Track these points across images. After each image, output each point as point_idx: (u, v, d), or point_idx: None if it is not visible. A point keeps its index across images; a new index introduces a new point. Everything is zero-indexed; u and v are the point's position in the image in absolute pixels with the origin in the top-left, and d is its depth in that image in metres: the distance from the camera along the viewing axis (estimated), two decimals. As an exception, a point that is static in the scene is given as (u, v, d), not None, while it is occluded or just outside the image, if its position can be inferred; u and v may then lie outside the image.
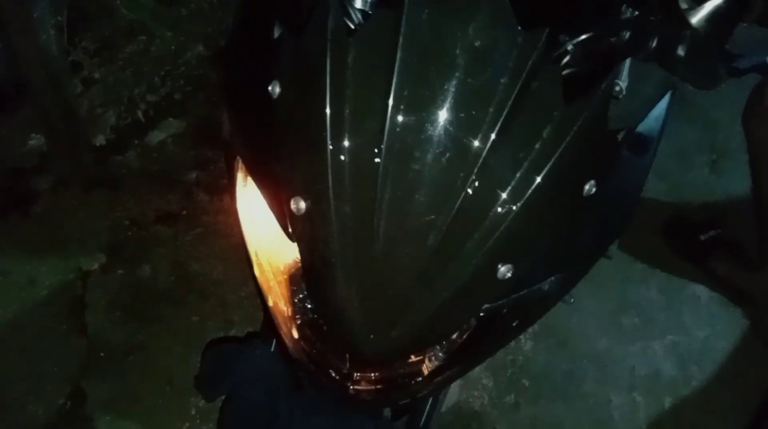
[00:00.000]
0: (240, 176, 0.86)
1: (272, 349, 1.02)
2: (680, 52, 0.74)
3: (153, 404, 1.63)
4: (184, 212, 1.93)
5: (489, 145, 0.69)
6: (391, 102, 0.69)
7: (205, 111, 2.13)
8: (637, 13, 0.75)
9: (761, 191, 1.66)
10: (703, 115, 2.29)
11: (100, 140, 2.01)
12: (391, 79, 0.69)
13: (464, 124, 0.69)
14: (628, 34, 0.74)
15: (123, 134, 2.05)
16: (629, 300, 1.87)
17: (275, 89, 0.75)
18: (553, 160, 0.70)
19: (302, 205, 0.73)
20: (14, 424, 1.57)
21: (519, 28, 0.69)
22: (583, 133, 0.71)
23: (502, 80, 0.69)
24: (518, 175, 0.70)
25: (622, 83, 0.84)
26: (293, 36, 0.75)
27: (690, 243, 1.94)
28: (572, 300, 1.31)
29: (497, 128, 0.69)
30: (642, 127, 0.90)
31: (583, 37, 0.74)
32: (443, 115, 0.69)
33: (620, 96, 0.84)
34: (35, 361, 1.67)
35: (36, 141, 1.96)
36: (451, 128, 0.69)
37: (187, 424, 1.60)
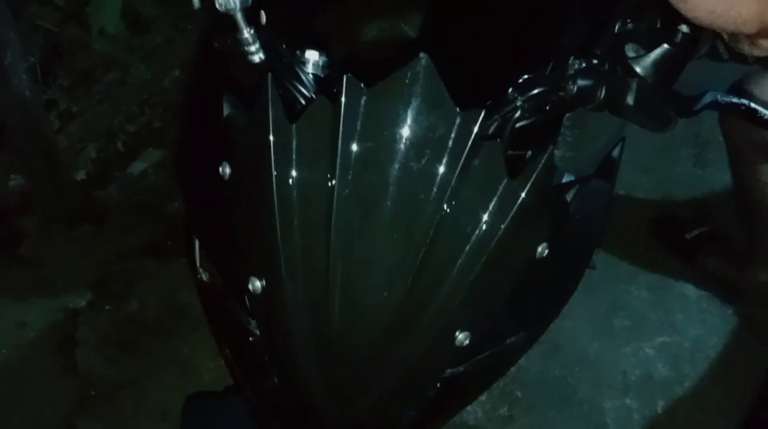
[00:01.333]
0: (198, 257, 0.87)
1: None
2: (629, 100, 0.75)
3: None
4: (169, 243, 1.94)
5: (436, 221, 0.70)
6: (336, 190, 0.70)
7: (183, 138, 2.13)
8: (584, 64, 0.75)
9: (742, 189, 1.65)
10: (686, 107, 2.27)
11: (81, 175, 2.02)
12: (335, 164, 0.69)
13: (410, 205, 0.70)
14: (575, 88, 0.74)
15: (104, 167, 2.05)
16: (619, 301, 1.86)
17: (225, 170, 0.76)
18: (501, 231, 0.71)
19: (258, 284, 0.74)
20: (10, 468, 1.59)
21: (457, 109, 0.69)
22: (529, 202, 0.71)
23: (444, 160, 0.69)
24: (467, 248, 0.71)
25: None
26: (240, 117, 0.76)
27: (677, 240, 1.92)
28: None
29: (444, 205, 0.70)
30: (595, 182, 0.90)
31: (534, 92, 0.74)
32: (388, 199, 0.70)
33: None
34: (28, 403, 1.68)
35: (17, 181, 1.97)
36: (396, 210, 0.70)
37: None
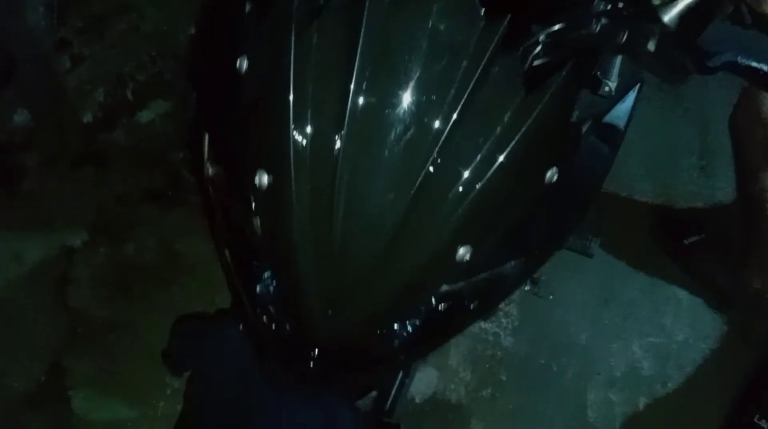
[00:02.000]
0: (206, 151, 0.87)
1: (241, 328, 1.02)
2: (650, 46, 0.75)
3: (133, 381, 1.64)
4: (170, 191, 1.93)
5: (449, 127, 0.69)
6: (352, 86, 0.69)
7: (193, 92, 2.12)
8: (609, 6, 0.75)
9: (746, 193, 1.66)
10: (695, 114, 2.29)
11: (87, 118, 2.00)
12: (354, 62, 0.69)
13: (424, 108, 0.70)
14: (598, 27, 0.75)
15: (111, 112, 2.03)
16: (612, 298, 1.87)
17: (243, 64, 0.76)
18: (512, 145, 0.71)
19: (265, 179, 0.73)
20: (-7, 395, 1.58)
21: (482, 13, 0.69)
22: (543, 120, 0.71)
23: (462, 64, 0.69)
24: (478, 157, 0.71)
25: (612, 84, 0.85)
26: (261, 13, 0.75)
27: (675, 244, 1.93)
28: (551, 297, 1.32)
29: (457, 111, 0.69)
30: (608, 119, 0.90)
31: (555, 27, 0.74)
32: (404, 99, 0.70)
33: (610, 95, 0.84)
34: (17, 335, 1.68)
35: (23, 117, 1.95)
36: (411, 111, 0.70)
37: (162, 403, 1.60)
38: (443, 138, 0.70)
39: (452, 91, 0.69)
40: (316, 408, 1.00)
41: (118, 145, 2.00)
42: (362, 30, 0.69)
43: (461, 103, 0.69)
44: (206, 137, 0.86)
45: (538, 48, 0.75)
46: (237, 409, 1.01)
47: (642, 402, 1.70)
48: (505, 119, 0.71)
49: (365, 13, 0.69)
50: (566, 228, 0.93)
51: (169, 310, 1.72)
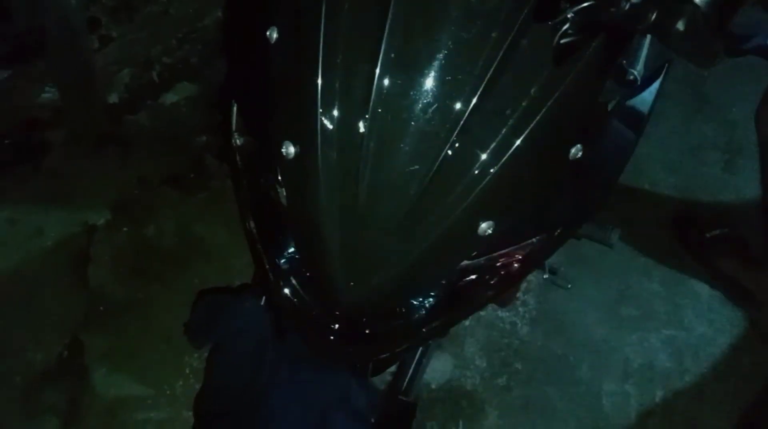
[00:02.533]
0: (234, 121, 0.87)
1: (261, 303, 1.03)
2: (680, 27, 0.74)
3: (149, 360, 1.65)
4: (192, 175, 1.95)
5: (477, 98, 0.70)
6: (381, 56, 0.70)
7: (219, 77, 2.13)
8: None
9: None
10: (721, 112, 2.27)
11: (113, 98, 2.03)
12: (384, 31, 0.70)
13: (453, 76, 0.70)
14: (628, 5, 0.74)
15: (136, 94, 2.06)
16: (630, 291, 1.86)
17: (273, 35, 0.76)
18: (538, 118, 0.71)
19: (292, 149, 0.74)
20: (12, 368, 1.60)
21: None
22: (570, 95, 0.71)
23: (492, 34, 0.69)
24: (504, 130, 0.71)
25: (637, 72, 0.84)
26: None
27: (695, 239, 1.92)
28: (570, 286, 1.32)
29: (485, 82, 0.70)
30: (634, 101, 0.90)
31: (584, 4, 0.74)
32: (433, 68, 0.70)
33: (635, 85, 0.84)
34: (37, 309, 1.69)
35: (50, 94, 1.98)
36: (440, 80, 0.70)
37: (181, 382, 1.62)
38: (470, 109, 0.70)
39: (481, 62, 0.70)
40: (329, 385, 1.01)
41: (142, 126, 2.02)
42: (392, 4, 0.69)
43: (489, 74, 0.69)
44: (234, 107, 0.87)
45: (567, 25, 0.74)
46: (251, 386, 1.02)
47: (658, 395, 1.69)
48: (532, 92, 0.71)
49: None
50: (588, 207, 0.93)
51: (186, 294, 1.74)
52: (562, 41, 0.73)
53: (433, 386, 1.66)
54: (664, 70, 0.93)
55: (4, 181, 1.87)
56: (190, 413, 1.55)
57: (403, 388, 1.10)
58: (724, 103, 2.29)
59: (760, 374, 1.68)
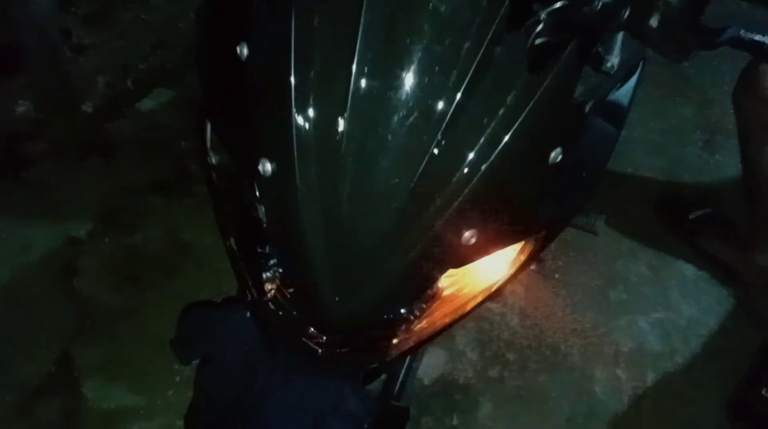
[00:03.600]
0: (209, 140, 0.87)
1: (248, 314, 1.03)
2: (653, 23, 0.74)
3: (142, 369, 1.65)
4: (177, 181, 1.94)
5: (452, 108, 0.70)
6: (354, 68, 0.70)
7: (196, 81, 2.12)
8: None
9: (750, 170, 1.66)
10: (699, 93, 2.28)
11: (91, 107, 2.02)
12: (356, 44, 0.69)
13: (427, 89, 0.70)
14: (600, 4, 0.74)
15: (114, 102, 2.05)
16: (617, 275, 1.88)
17: (243, 51, 0.76)
18: (516, 126, 0.71)
19: (269, 166, 0.74)
20: (4, 385, 1.60)
21: None
22: (547, 100, 0.71)
23: (465, 45, 0.69)
24: (482, 140, 0.71)
25: (614, 59, 0.85)
26: None
27: (680, 220, 1.94)
28: (557, 275, 1.33)
29: (461, 92, 0.70)
30: (612, 97, 0.90)
31: (557, 5, 0.74)
32: (407, 81, 0.70)
33: (611, 72, 0.84)
34: (26, 324, 1.69)
35: (29, 107, 1.97)
36: (414, 94, 0.70)
37: (172, 391, 1.62)
38: (447, 120, 0.70)
39: (455, 73, 0.70)
40: (323, 392, 1.02)
41: (123, 134, 2.02)
42: (363, 12, 0.69)
43: (464, 84, 0.69)
44: (208, 125, 0.87)
45: (540, 27, 0.74)
46: (244, 395, 1.03)
47: (649, 378, 1.70)
48: (509, 100, 0.71)
49: None
50: (572, 209, 0.93)
51: (177, 300, 1.73)
52: (536, 43, 0.74)
53: (427, 381, 1.67)
54: (641, 65, 0.93)
55: (-13, 196, 1.86)
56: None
57: (395, 393, 1.11)
58: (701, 82, 2.31)
59: (748, 353, 1.70)
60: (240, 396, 1.02)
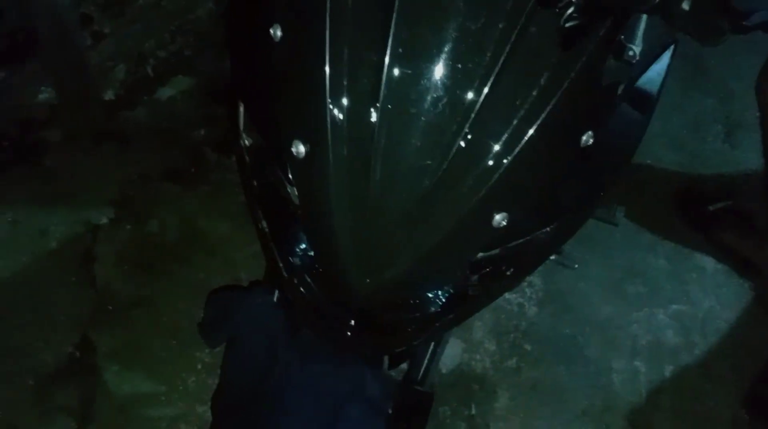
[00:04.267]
0: (242, 121, 0.86)
1: (274, 299, 1.03)
2: (685, 6, 0.74)
3: (160, 356, 1.65)
4: (192, 169, 1.94)
5: (487, 89, 0.69)
6: (388, 54, 0.69)
7: (214, 68, 2.12)
8: None
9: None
10: (720, 86, 2.26)
11: (108, 95, 2.01)
12: (390, 28, 0.69)
13: (462, 70, 0.69)
14: None
15: (132, 89, 2.04)
16: (636, 268, 1.87)
17: (276, 32, 0.75)
18: (550, 107, 0.70)
19: (302, 148, 0.74)
20: (22, 369, 1.60)
21: None
22: (579, 82, 0.71)
23: (500, 24, 0.69)
24: (516, 121, 0.71)
25: (636, 48, 0.84)
26: None
27: (699, 213, 1.93)
28: (576, 265, 1.32)
29: (495, 72, 0.69)
30: (642, 82, 0.89)
31: None
32: (441, 64, 0.69)
33: (634, 61, 0.83)
34: (44, 309, 1.69)
35: (46, 94, 1.96)
36: (448, 75, 0.69)
37: (193, 377, 1.62)
38: (481, 101, 0.69)
39: (489, 53, 0.69)
40: (342, 377, 1.01)
41: (140, 122, 2.01)
42: None
43: (498, 65, 0.69)
44: (241, 107, 0.86)
45: (571, 9, 0.73)
46: (264, 378, 1.03)
47: (667, 370, 1.70)
48: (542, 81, 0.70)
49: None
50: (600, 193, 0.93)
51: (191, 288, 1.74)
52: (567, 25, 0.73)
53: (444, 371, 1.67)
54: (671, 49, 0.92)
55: (3, 182, 1.86)
56: (204, 408, 1.56)
57: (419, 378, 1.10)
58: (722, 75, 2.29)
59: (766, 347, 1.69)
60: (260, 380, 1.03)
